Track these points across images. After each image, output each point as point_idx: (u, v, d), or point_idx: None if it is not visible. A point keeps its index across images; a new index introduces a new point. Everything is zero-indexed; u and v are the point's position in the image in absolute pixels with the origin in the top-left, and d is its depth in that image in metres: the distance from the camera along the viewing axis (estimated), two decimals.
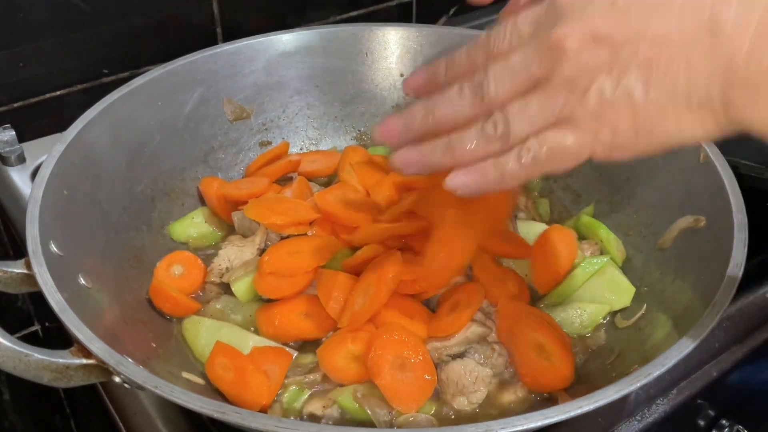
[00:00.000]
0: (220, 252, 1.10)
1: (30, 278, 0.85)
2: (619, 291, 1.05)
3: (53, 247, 0.89)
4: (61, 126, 1.05)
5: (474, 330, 0.96)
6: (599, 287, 1.05)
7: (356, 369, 0.93)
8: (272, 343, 0.98)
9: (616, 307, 1.04)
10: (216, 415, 0.70)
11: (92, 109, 1.08)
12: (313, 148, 1.35)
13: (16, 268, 0.87)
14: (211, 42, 1.53)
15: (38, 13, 1.33)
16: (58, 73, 1.41)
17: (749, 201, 0.96)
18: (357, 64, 1.34)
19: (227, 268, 1.07)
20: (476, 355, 0.95)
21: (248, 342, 0.97)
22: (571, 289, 1.06)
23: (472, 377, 0.92)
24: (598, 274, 1.06)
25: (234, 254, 1.08)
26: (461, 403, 0.92)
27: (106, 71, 1.45)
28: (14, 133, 1.29)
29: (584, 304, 1.03)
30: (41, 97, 1.41)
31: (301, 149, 1.34)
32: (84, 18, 1.38)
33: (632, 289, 1.05)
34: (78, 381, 0.78)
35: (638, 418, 0.99)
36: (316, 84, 1.33)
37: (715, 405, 1.12)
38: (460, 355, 0.96)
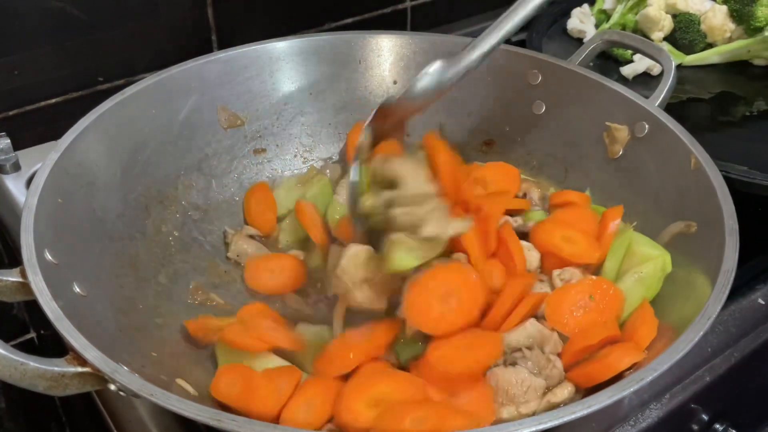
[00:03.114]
0: None
1: (25, 287, 0.85)
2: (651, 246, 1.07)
3: (48, 256, 0.90)
4: (57, 134, 1.06)
5: (533, 323, 0.97)
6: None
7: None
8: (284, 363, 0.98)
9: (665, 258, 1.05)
10: (212, 423, 0.70)
11: (86, 117, 1.09)
12: (307, 155, 1.35)
13: (11, 276, 0.86)
14: (207, 49, 1.53)
15: (33, 20, 1.34)
16: (53, 81, 1.41)
17: (741, 206, 0.97)
18: (350, 71, 1.35)
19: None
20: (530, 363, 0.94)
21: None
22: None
23: (524, 387, 0.91)
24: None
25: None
26: (510, 413, 0.91)
27: (101, 79, 1.46)
28: (9, 141, 1.30)
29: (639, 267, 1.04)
30: (36, 105, 1.41)
31: (294, 156, 1.35)
32: (79, 26, 1.38)
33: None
34: (73, 389, 0.78)
35: (632, 422, 0.99)
36: (310, 91, 1.34)
37: (708, 409, 1.12)
38: (513, 363, 0.95)
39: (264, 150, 1.32)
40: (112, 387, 0.77)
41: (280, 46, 1.31)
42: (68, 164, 1.02)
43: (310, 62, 1.32)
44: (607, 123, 1.19)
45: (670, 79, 1.21)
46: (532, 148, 1.30)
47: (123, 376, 0.75)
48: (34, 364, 0.76)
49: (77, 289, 0.91)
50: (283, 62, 1.31)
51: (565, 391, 0.92)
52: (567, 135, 1.26)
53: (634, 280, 1.03)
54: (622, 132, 1.17)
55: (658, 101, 1.18)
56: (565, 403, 0.91)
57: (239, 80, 1.28)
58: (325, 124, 1.36)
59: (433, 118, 1.35)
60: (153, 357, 0.95)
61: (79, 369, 0.77)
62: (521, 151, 1.31)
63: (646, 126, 1.14)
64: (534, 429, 0.71)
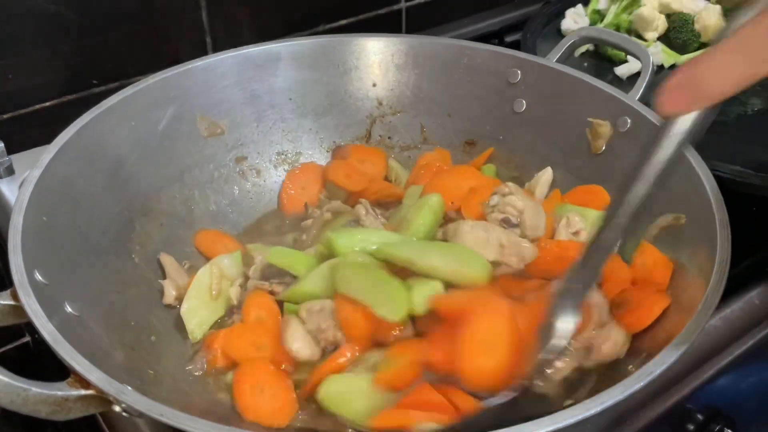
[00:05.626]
0: None
1: (17, 309, 0.83)
2: None
3: (38, 276, 0.88)
4: (51, 137, 1.05)
5: None
6: None
7: None
8: None
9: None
10: None
11: (65, 132, 1.06)
12: (288, 161, 1.34)
13: (3, 299, 0.85)
14: (201, 52, 1.52)
15: (27, 24, 1.33)
16: (48, 84, 1.40)
17: (735, 206, 0.96)
18: (330, 75, 1.33)
19: None
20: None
21: None
22: None
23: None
24: None
25: None
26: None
27: (95, 82, 1.44)
28: (2, 145, 1.28)
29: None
30: (30, 108, 1.40)
31: (275, 165, 1.34)
32: (73, 29, 1.38)
33: None
34: (77, 413, 0.76)
35: (628, 423, 0.99)
36: (290, 97, 1.32)
37: (703, 410, 1.13)
38: None
39: (245, 158, 1.31)
40: (117, 408, 0.75)
41: (257, 51, 1.29)
42: (50, 181, 1.00)
43: (289, 67, 1.31)
44: (589, 119, 1.19)
45: (649, 73, 1.22)
46: (514, 147, 1.30)
47: (129, 397, 0.73)
48: (36, 389, 0.75)
49: (69, 309, 0.90)
50: (261, 69, 1.30)
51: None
52: (549, 132, 1.26)
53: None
54: (604, 127, 1.18)
55: (638, 95, 1.19)
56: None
57: (218, 88, 1.26)
58: (306, 129, 1.35)
59: (414, 119, 1.35)
60: (150, 375, 0.94)
61: (83, 392, 0.76)
62: (503, 150, 1.31)
63: (629, 120, 1.15)
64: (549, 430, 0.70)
